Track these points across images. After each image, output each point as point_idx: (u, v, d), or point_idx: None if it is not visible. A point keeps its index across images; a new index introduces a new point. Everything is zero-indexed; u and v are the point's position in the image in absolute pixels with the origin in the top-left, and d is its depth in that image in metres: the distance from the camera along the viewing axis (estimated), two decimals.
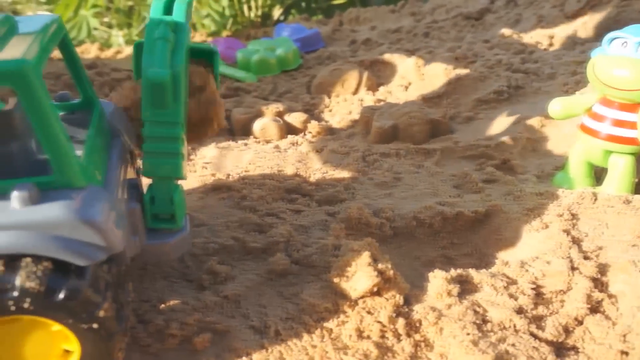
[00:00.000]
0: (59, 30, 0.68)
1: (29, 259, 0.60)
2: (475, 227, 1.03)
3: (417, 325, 0.78)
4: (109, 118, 0.79)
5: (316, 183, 1.16)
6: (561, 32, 1.77)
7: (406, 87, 1.69)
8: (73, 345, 0.64)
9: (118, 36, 2.60)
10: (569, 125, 1.32)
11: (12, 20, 0.64)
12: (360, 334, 0.76)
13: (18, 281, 0.59)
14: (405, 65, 1.76)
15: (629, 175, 1.05)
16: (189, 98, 0.78)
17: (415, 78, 1.70)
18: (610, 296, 0.82)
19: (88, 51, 2.24)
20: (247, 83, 1.73)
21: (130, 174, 0.82)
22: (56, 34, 0.67)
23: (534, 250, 0.94)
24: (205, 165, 1.24)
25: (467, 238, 1.02)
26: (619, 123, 1.03)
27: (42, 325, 0.63)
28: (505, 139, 1.31)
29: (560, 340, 0.78)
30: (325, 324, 0.78)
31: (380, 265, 0.81)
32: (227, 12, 2.46)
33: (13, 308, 0.60)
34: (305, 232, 0.99)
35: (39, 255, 0.60)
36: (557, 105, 1.09)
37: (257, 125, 1.44)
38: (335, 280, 0.81)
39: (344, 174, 1.21)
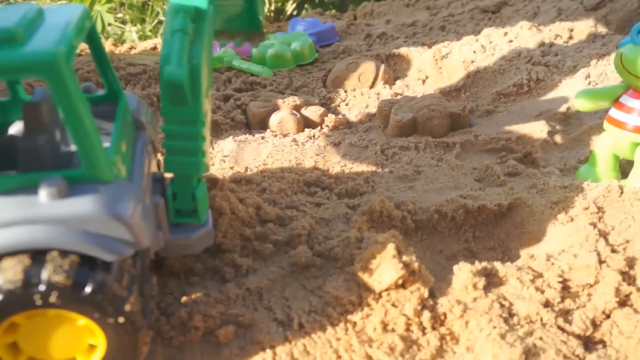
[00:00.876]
0: (86, 21, 0.67)
1: (55, 253, 0.60)
2: (499, 221, 1.02)
3: (443, 318, 0.77)
4: (133, 111, 0.78)
5: (335, 176, 1.15)
6: (581, 24, 1.74)
7: (424, 81, 1.67)
8: (98, 339, 0.64)
9: (132, 32, 2.61)
10: (592, 118, 1.30)
11: (40, 11, 0.63)
12: (385, 327, 0.75)
13: (45, 275, 0.59)
14: (422, 58, 1.74)
15: None
16: None
17: (433, 71, 1.68)
18: (638, 290, 0.81)
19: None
20: (262, 77, 1.72)
21: (154, 167, 0.81)
22: (84, 25, 0.66)
23: (560, 244, 0.92)
24: (223, 158, 1.24)
25: (490, 231, 1.01)
26: None
27: (68, 319, 0.63)
28: (527, 132, 1.29)
29: (588, 334, 0.76)
30: (349, 317, 0.77)
31: (405, 258, 0.80)
32: None
33: (40, 302, 0.60)
34: (326, 224, 0.98)
35: (66, 250, 0.60)
36: (583, 97, 1.07)
37: (274, 119, 1.43)
38: (360, 273, 0.80)
39: (363, 167, 1.20)
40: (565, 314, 0.79)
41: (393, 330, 0.75)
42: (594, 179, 1.07)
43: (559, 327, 0.76)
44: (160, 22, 2.52)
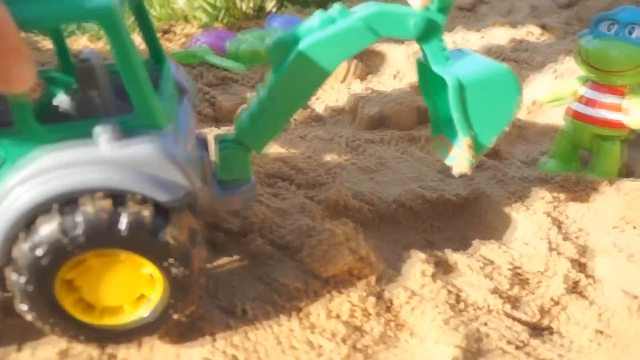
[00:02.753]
0: None
1: (135, 197, 0.61)
2: (458, 211, 1.01)
3: (389, 305, 0.76)
4: (178, 77, 0.81)
5: (298, 168, 1.14)
6: (553, 21, 1.74)
7: (396, 77, 1.66)
8: (153, 290, 0.66)
9: None
10: (557, 112, 1.30)
11: None
12: (329, 314, 0.74)
13: (125, 217, 0.60)
14: (396, 54, 1.73)
15: (614, 159, 1.03)
16: None
17: (407, 67, 1.68)
18: (588, 277, 0.80)
19: (77, 42, 2.23)
20: (235, 72, 1.71)
21: (197, 129, 0.83)
22: None
23: (515, 233, 0.92)
24: None
25: (449, 222, 1.00)
26: (607, 106, 1.01)
27: (134, 265, 0.64)
28: None
29: (535, 320, 0.76)
30: (294, 304, 0.76)
31: (352, 244, 0.79)
32: (220, 4, 2.44)
33: (116, 242, 0.61)
34: (282, 214, 0.97)
35: (144, 196, 0.61)
36: (545, 90, 1.07)
37: None
38: (307, 259, 0.79)
39: (327, 159, 1.19)
40: (514, 301, 0.78)
41: (337, 316, 0.74)
42: (554, 169, 1.07)
43: (506, 314, 0.75)
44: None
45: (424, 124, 1.38)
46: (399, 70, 1.70)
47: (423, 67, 0.80)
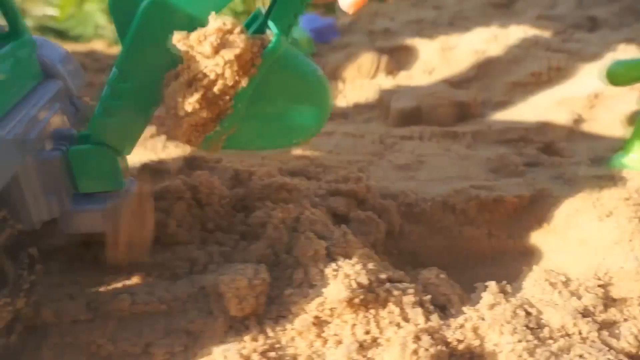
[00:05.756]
0: None
1: None
2: (519, 215, 0.84)
3: (450, 331, 0.59)
4: (48, 58, 0.65)
5: (325, 165, 0.98)
6: (604, 14, 1.58)
7: (430, 72, 1.51)
8: None
9: None
10: (623, 103, 1.13)
11: None
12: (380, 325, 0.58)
13: None
14: (428, 50, 1.58)
15: None
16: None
17: (440, 63, 1.52)
18: None
19: (94, 48, 2.12)
20: None
21: (65, 124, 0.65)
22: None
23: (595, 242, 0.75)
24: None
25: (510, 227, 0.83)
26: None
27: None
28: (548, 121, 1.12)
29: (635, 350, 0.58)
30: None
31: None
32: (239, 8, 2.32)
33: None
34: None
35: None
36: (617, 68, 0.90)
37: None
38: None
39: (358, 156, 1.04)
40: (609, 326, 0.61)
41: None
42: (633, 166, 0.90)
43: (604, 343, 0.58)
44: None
45: (465, 120, 1.22)
46: (429, 65, 1.54)
47: None
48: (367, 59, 1.53)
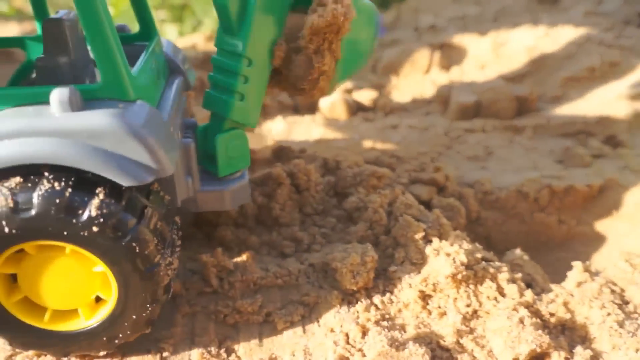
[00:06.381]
0: None
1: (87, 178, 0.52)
2: (590, 204, 0.89)
3: (543, 305, 0.65)
4: (169, 54, 0.72)
5: (397, 156, 1.04)
6: None
7: (482, 68, 1.55)
8: (110, 290, 0.56)
9: (173, 32, 2.56)
10: None
11: None
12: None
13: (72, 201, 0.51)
14: (478, 45, 1.62)
15: None
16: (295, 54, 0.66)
17: (492, 59, 1.57)
18: None
19: None
20: None
21: (189, 114, 0.74)
22: None
23: None
24: (273, 137, 1.14)
25: (581, 214, 0.89)
26: None
27: (82, 263, 0.55)
28: (608, 114, 1.16)
29: None
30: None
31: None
32: None
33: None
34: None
35: (76, 168, 0.51)
36: None
37: (325, 102, 1.33)
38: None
39: (426, 148, 1.09)
40: None
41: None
42: None
43: None
44: (199, 23, 2.47)
45: (524, 114, 1.26)
46: (481, 61, 1.59)
47: None
48: (420, 55, 1.58)
